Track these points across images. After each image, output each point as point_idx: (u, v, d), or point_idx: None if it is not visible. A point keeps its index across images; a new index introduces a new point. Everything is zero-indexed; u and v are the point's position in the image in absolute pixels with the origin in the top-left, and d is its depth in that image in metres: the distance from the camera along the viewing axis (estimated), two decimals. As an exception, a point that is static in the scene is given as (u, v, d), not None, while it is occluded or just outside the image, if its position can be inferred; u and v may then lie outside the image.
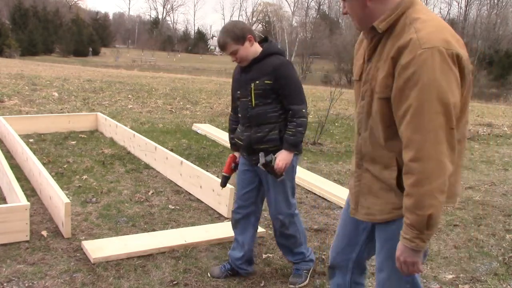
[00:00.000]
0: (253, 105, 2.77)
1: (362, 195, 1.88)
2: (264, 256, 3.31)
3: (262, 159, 2.75)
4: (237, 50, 2.72)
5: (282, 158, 2.74)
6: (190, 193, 4.52)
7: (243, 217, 2.98)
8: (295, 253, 3.04)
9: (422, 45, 1.54)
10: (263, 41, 2.87)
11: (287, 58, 2.79)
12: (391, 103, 1.65)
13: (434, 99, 1.54)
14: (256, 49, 2.78)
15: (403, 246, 1.63)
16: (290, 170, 2.84)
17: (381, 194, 1.80)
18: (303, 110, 2.74)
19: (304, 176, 5.22)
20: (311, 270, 3.07)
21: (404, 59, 1.57)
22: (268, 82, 2.71)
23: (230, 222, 3.87)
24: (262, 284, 2.93)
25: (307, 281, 2.99)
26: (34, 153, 4.84)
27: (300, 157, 2.97)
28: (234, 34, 2.71)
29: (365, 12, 1.69)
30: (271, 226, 3.90)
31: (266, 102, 2.75)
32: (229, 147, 6.49)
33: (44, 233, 3.38)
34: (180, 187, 4.66)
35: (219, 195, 4.07)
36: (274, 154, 2.76)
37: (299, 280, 2.98)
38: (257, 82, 2.73)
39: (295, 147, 2.77)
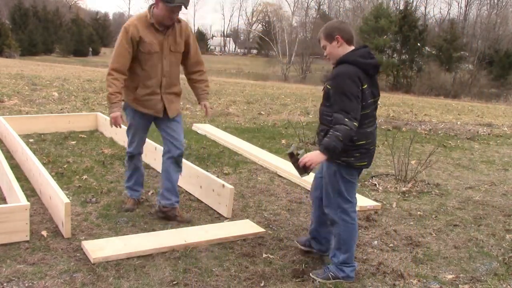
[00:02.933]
0: (322, 103, 2.93)
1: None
2: (264, 256, 3.31)
3: (291, 149, 2.92)
4: (325, 46, 2.90)
5: (309, 155, 2.82)
6: (190, 193, 4.51)
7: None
8: (332, 252, 3.12)
9: None
10: (362, 47, 2.93)
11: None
12: None
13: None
14: (344, 51, 2.87)
15: None
16: (333, 177, 2.94)
17: None
18: (346, 120, 2.71)
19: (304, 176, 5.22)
20: (335, 279, 3.00)
21: None
22: (329, 87, 2.83)
23: (230, 222, 3.88)
24: (262, 284, 2.93)
25: (325, 281, 2.99)
26: (34, 153, 4.84)
27: (352, 172, 2.95)
28: (325, 30, 2.90)
29: None
30: (271, 226, 3.91)
31: (326, 104, 2.88)
32: (229, 147, 6.51)
33: (44, 233, 3.38)
34: (180, 187, 4.65)
35: (219, 195, 4.06)
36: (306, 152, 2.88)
37: (319, 273, 3.06)
38: (326, 83, 2.88)
39: (327, 150, 2.75)
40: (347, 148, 2.80)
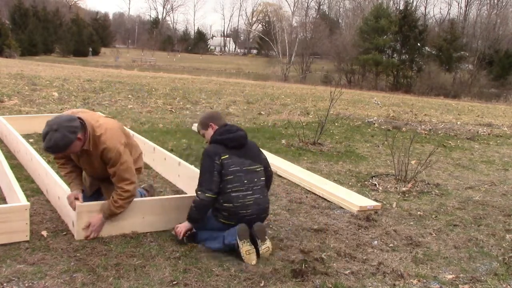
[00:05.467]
0: None
1: None
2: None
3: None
4: (204, 133, 3.54)
5: (179, 225, 3.41)
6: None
7: None
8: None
9: None
10: (222, 127, 3.47)
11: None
12: None
13: None
14: None
15: None
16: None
17: None
18: (199, 192, 3.29)
19: (304, 176, 5.22)
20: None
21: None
22: None
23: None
24: (262, 284, 2.92)
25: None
26: (34, 153, 4.82)
27: (217, 224, 3.41)
28: (200, 121, 3.57)
29: None
30: (271, 226, 3.90)
31: None
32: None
33: (44, 233, 3.38)
34: (180, 188, 4.65)
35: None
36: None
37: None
38: None
39: (189, 220, 3.36)
40: (218, 206, 3.31)
